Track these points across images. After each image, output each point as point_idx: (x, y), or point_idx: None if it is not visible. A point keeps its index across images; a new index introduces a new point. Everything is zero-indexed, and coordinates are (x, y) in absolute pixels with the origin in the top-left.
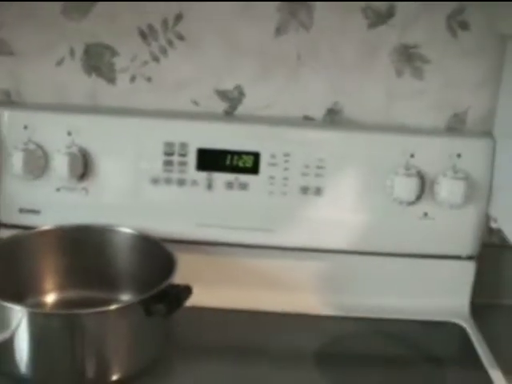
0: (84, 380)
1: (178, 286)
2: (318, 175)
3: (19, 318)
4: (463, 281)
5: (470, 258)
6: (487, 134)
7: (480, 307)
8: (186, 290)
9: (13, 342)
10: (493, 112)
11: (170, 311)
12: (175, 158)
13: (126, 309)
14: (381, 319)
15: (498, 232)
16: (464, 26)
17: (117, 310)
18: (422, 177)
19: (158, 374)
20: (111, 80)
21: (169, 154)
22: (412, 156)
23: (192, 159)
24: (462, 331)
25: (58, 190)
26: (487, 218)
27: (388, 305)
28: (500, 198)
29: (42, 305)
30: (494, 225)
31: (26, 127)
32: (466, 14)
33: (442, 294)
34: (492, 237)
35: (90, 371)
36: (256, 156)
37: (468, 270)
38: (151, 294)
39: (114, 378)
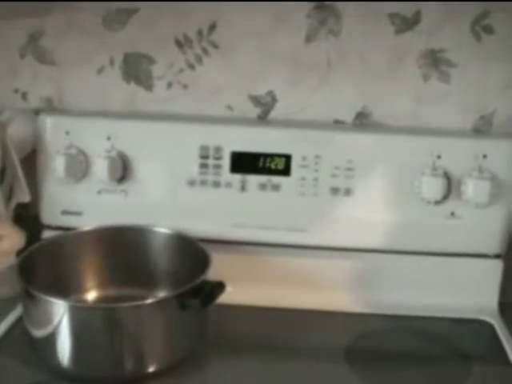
0: (121, 371)
1: (211, 282)
2: (347, 176)
3: (61, 312)
4: (491, 279)
5: (497, 256)
6: None
7: (508, 306)
8: (220, 286)
9: (55, 336)
10: None
11: (204, 306)
12: (210, 161)
13: (162, 303)
14: (410, 317)
15: None
16: (489, 30)
17: (153, 303)
18: (448, 177)
19: (192, 367)
20: (149, 87)
21: (204, 157)
22: (439, 157)
23: (226, 162)
24: (490, 329)
25: (98, 192)
26: None
27: (417, 303)
28: None
29: (83, 302)
30: None
31: (67, 132)
32: (490, 18)
33: (471, 292)
34: None
35: (128, 363)
36: (288, 158)
37: (496, 268)
38: (186, 289)
39: (150, 369)
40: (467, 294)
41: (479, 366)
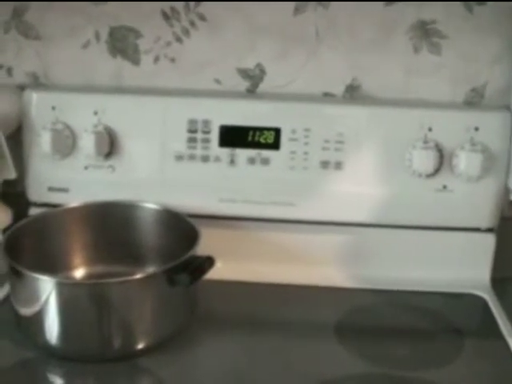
0: (110, 349)
1: (200, 257)
2: (337, 150)
3: (48, 289)
4: (483, 253)
5: (489, 230)
6: (505, 107)
7: (501, 280)
8: (209, 261)
9: (42, 314)
10: (510, 85)
11: (193, 281)
12: (198, 135)
13: (150, 278)
14: (401, 291)
15: None
16: (480, 0)
17: (141, 279)
18: (440, 150)
19: (181, 343)
20: (135, 61)
21: (192, 131)
22: (430, 130)
23: (215, 136)
24: (482, 303)
25: (85, 168)
26: (507, 191)
27: (408, 277)
28: None
29: (70, 279)
30: None
31: (53, 108)
32: None
33: (463, 266)
34: None
35: (116, 340)
36: (277, 132)
37: (488, 242)
38: (174, 264)
39: (139, 346)
40: (459, 268)
41: (471, 341)
